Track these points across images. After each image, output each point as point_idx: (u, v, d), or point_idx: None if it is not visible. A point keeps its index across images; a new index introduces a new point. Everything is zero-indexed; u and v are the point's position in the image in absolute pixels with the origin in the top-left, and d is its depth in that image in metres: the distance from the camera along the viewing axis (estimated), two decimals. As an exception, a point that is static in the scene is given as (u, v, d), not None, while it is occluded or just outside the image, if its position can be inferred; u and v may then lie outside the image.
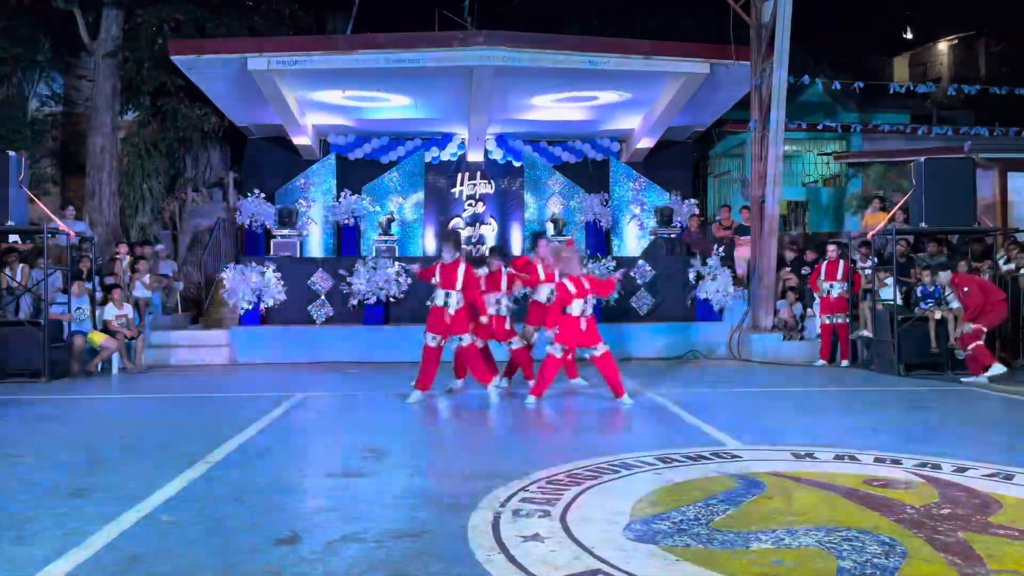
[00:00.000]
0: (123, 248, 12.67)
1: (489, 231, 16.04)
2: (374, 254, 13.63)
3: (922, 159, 10.32)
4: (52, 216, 11.01)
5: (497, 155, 16.09)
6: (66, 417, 7.52)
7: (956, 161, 10.63)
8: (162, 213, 15.72)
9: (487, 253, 9.23)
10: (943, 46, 26.38)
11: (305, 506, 4.35)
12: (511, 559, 3.36)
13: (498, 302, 8.46)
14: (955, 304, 10.17)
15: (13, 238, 11.37)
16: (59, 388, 9.24)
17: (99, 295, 11.06)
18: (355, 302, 12.14)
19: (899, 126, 15.93)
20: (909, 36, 26.36)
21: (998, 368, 9.11)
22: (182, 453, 5.48)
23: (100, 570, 3.30)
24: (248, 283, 11.87)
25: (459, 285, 7.81)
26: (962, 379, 9.28)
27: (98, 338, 10.46)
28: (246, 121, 15.19)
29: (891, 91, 14.22)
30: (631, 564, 3.28)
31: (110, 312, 10.71)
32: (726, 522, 3.83)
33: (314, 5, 17.50)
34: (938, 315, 10.03)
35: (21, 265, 10.75)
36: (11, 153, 9.79)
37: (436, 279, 7.94)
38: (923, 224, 10.06)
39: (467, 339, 7.91)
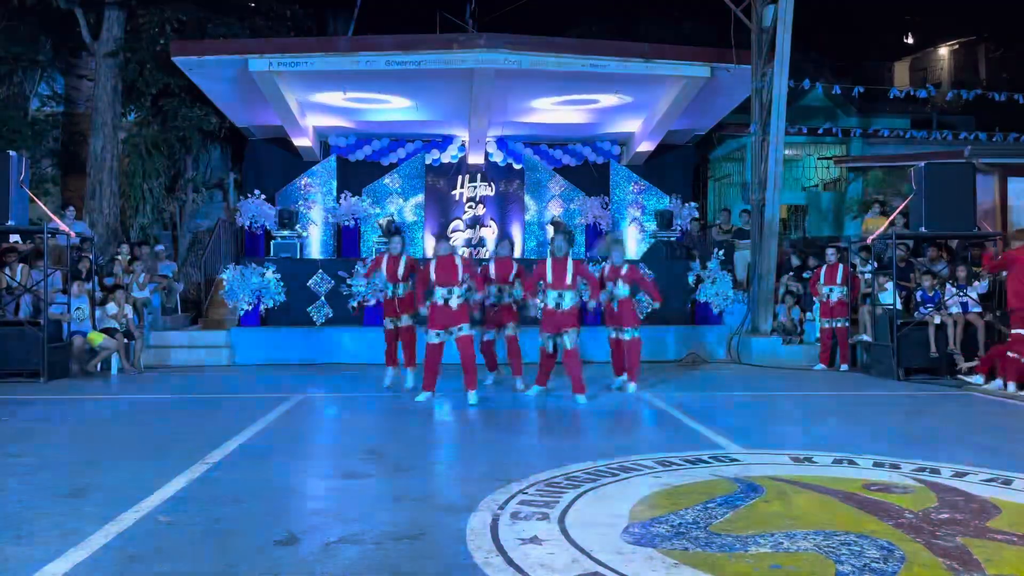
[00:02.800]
0: (124, 248, 12.68)
1: (489, 233, 16.05)
2: (374, 256, 13.63)
3: (922, 164, 10.32)
4: (52, 216, 11.01)
5: (497, 157, 16.10)
6: (65, 417, 7.52)
7: (956, 166, 10.62)
8: (162, 214, 15.73)
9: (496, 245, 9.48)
10: (944, 51, 26.38)
11: (304, 507, 4.35)
12: (509, 561, 3.36)
13: (500, 291, 8.80)
14: (955, 309, 10.18)
15: (13, 238, 11.37)
16: (58, 388, 9.24)
17: (99, 295, 11.06)
18: (355, 303, 12.13)
19: (899, 131, 15.93)
20: (910, 41, 26.39)
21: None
22: (181, 454, 5.48)
23: (98, 570, 3.30)
24: (248, 284, 11.87)
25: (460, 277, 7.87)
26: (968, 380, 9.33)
27: (97, 338, 10.46)
28: (247, 122, 15.20)
29: (891, 96, 14.23)
30: (629, 567, 3.28)
31: (110, 312, 10.70)
32: (725, 526, 3.83)
33: (315, 7, 17.53)
34: (937, 320, 10.03)
35: (21, 265, 10.75)
36: (11, 153, 9.79)
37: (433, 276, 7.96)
38: (923, 229, 10.06)
39: (466, 329, 7.98)
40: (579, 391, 7.98)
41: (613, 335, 8.90)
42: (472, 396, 7.85)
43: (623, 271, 8.65)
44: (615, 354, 8.93)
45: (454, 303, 7.82)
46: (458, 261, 7.96)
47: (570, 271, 8.00)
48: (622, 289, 8.66)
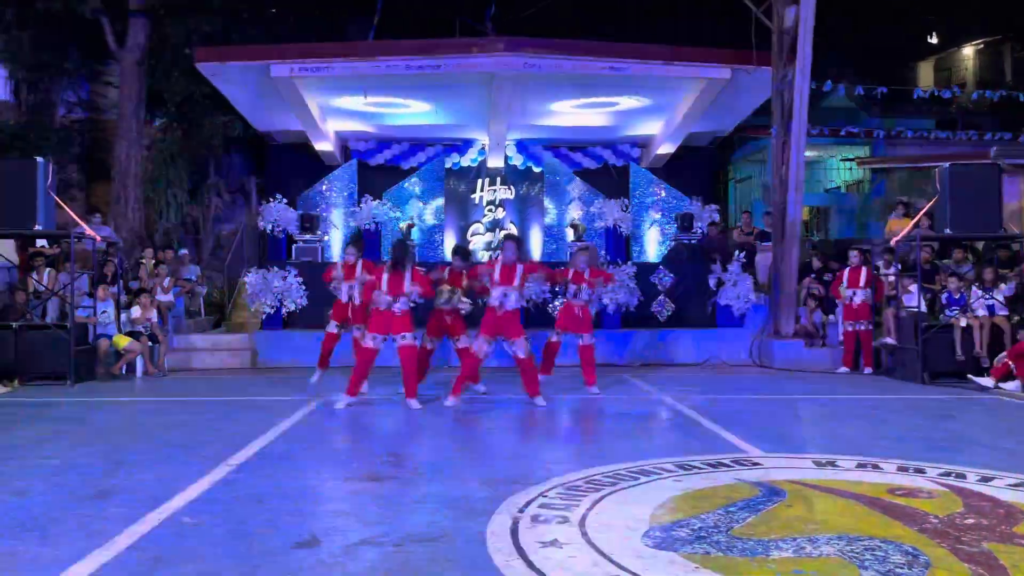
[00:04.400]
0: (148, 252, 12.83)
1: (509, 236, 16.07)
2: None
3: (946, 165, 10.21)
4: (79, 221, 11.17)
5: (517, 161, 16.12)
6: (90, 419, 7.61)
7: (981, 167, 10.50)
8: (186, 218, 15.90)
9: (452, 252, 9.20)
10: (968, 51, 26.07)
11: (325, 510, 4.37)
12: (530, 565, 3.35)
13: (452, 292, 8.48)
14: (981, 312, 10.04)
15: (41, 242, 11.55)
16: (84, 391, 9.36)
17: (124, 299, 11.20)
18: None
19: (923, 131, 15.77)
20: (934, 41, 26.10)
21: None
22: (204, 456, 5.53)
23: (123, 571, 3.34)
24: (270, 287, 11.96)
25: (407, 287, 7.77)
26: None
27: (122, 341, 10.59)
28: (269, 127, 15.34)
29: (915, 96, 14.09)
30: (650, 571, 3.27)
31: (135, 316, 10.84)
32: (746, 530, 3.80)
33: (336, 13, 17.65)
34: (963, 323, 9.90)
35: (48, 269, 10.93)
36: (39, 159, 9.94)
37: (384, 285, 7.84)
38: (948, 230, 9.95)
39: (409, 338, 7.84)
40: (535, 393, 7.96)
41: (555, 338, 8.86)
42: (413, 403, 7.78)
43: (586, 275, 8.66)
44: (548, 355, 8.88)
45: (397, 309, 7.78)
46: (407, 274, 7.80)
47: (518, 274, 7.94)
48: (586, 294, 8.70)
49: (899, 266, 10.89)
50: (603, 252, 15.47)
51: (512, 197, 16.14)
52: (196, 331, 12.75)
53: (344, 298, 8.81)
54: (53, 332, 9.91)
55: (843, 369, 11.04)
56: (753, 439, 6.09)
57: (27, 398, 8.71)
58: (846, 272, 11.19)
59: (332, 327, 8.95)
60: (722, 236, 14.58)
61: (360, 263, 8.71)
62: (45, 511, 4.23)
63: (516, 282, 7.94)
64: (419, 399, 7.91)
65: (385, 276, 7.85)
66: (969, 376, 9.40)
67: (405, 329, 7.81)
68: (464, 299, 8.37)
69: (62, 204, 10.54)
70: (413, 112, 14.31)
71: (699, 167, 16.59)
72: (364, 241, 9.13)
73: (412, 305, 7.93)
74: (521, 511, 4.12)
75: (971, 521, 3.96)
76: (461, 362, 8.58)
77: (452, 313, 8.45)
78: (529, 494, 4.45)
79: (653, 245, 16.01)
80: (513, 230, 16.05)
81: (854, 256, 11.21)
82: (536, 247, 15.96)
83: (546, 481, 4.74)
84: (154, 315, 11.08)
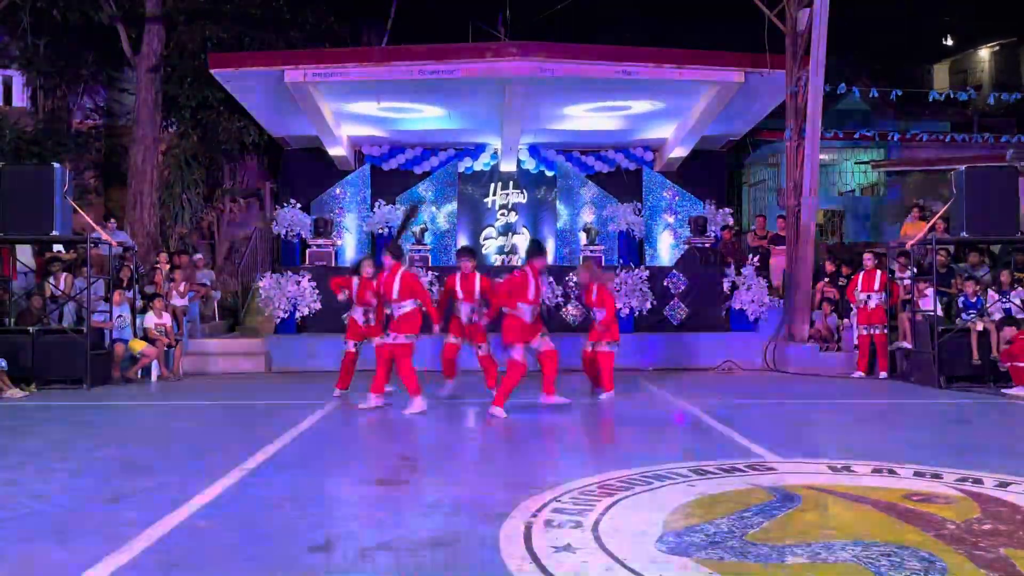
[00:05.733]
0: (163, 257, 12.92)
1: (522, 241, 16.08)
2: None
3: (962, 168, 10.14)
4: (95, 226, 11.27)
5: (530, 165, 16.14)
6: (106, 423, 7.67)
7: (998, 169, 10.42)
8: (200, 223, 16.00)
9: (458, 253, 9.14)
10: (984, 53, 25.92)
11: (339, 514, 4.39)
12: (542, 569, 3.35)
13: (471, 310, 8.56)
14: (997, 315, 9.96)
15: (57, 247, 11.65)
16: (100, 395, 9.42)
17: (139, 303, 11.28)
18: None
19: (939, 134, 15.64)
20: (949, 43, 25.95)
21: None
22: (218, 460, 5.56)
23: (140, 574, 3.36)
24: (284, 292, 12.01)
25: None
26: (1004, 391, 9.12)
27: (138, 346, 10.66)
28: (283, 132, 15.43)
29: (930, 99, 13.99)
30: (664, 576, 3.26)
31: (150, 320, 10.92)
32: (761, 535, 3.78)
33: (350, 18, 17.74)
34: (980, 326, 9.82)
35: (64, 274, 11.03)
36: (56, 165, 10.05)
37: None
38: (964, 234, 9.88)
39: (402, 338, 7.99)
40: (551, 392, 8.02)
41: (591, 348, 8.75)
42: (417, 401, 7.84)
43: (594, 296, 8.68)
44: (591, 366, 8.78)
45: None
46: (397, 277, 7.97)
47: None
48: (601, 313, 8.68)
49: (915, 269, 10.81)
50: (616, 256, 15.46)
51: (525, 201, 16.16)
52: (211, 335, 12.82)
53: (360, 320, 8.82)
54: (70, 336, 10.00)
55: (858, 373, 10.97)
56: (768, 444, 6.07)
57: (44, 402, 8.79)
58: (860, 276, 11.13)
59: (350, 346, 8.95)
60: (736, 240, 14.53)
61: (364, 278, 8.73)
62: (62, 514, 4.27)
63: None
64: (446, 400, 7.95)
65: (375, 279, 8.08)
66: (1003, 391, 9.24)
67: (400, 330, 7.98)
68: (483, 309, 8.45)
69: (79, 209, 10.64)
70: (426, 117, 14.35)
71: (712, 170, 16.54)
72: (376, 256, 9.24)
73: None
74: (534, 515, 4.12)
75: (988, 527, 3.93)
76: (506, 372, 8.15)
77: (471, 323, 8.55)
78: (542, 498, 4.44)
79: (666, 249, 15.98)
80: (526, 235, 16.06)
81: (868, 259, 11.15)
82: (549, 251, 15.95)
83: (559, 485, 4.73)
84: (168, 319, 11.15)
